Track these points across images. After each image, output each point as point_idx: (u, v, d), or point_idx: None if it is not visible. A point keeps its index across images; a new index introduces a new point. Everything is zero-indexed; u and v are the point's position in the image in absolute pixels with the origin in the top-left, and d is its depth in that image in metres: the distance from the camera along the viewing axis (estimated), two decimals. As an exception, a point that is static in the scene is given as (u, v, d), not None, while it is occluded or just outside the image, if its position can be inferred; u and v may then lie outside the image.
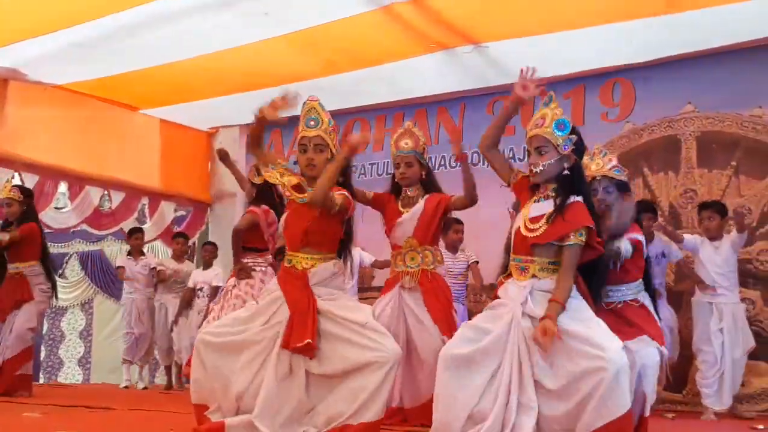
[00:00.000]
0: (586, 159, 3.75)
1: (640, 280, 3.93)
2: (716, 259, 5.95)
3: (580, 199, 3.32)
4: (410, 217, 4.51)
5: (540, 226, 3.30)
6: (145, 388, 8.34)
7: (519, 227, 3.38)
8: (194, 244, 9.66)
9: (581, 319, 3.20)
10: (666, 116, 7.05)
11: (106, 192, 9.00)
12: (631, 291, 3.88)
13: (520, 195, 3.49)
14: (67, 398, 6.10)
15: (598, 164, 3.94)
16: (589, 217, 3.27)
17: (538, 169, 3.31)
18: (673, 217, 6.88)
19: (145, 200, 9.40)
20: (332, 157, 3.53)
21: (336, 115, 3.64)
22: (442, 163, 7.85)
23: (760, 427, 5.19)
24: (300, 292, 3.47)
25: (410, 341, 4.43)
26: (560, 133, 3.30)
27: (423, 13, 6.32)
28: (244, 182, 5.78)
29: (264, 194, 5.45)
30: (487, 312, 3.38)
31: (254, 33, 6.74)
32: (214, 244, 8.37)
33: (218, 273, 7.91)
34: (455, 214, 5.82)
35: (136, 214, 9.30)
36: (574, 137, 3.33)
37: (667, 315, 5.84)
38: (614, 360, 3.00)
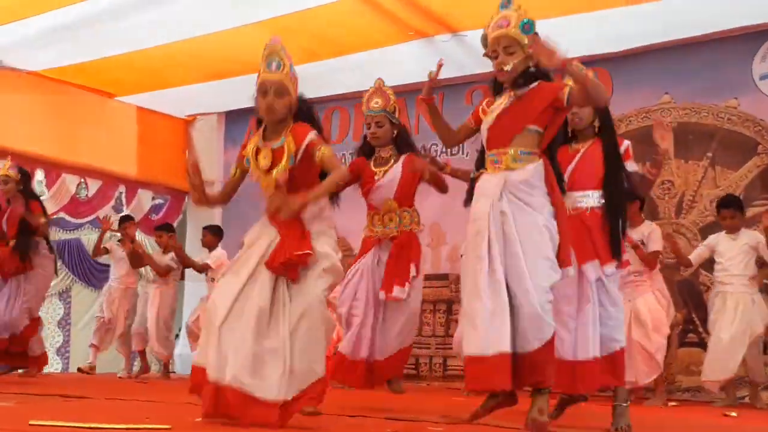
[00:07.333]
0: None
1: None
2: (733, 248, 5.90)
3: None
4: (389, 181, 4.54)
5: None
6: (130, 377, 8.25)
7: (490, 124, 3.40)
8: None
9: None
10: (643, 107, 7.08)
11: (82, 180, 8.91)
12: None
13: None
14: (43, 387, 6.04)
15: None
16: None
17: (507, 67, 3.36)
18: (650, 208, 6.92)
19: (122, 188, 9.32)
20: (292, 104, 3.38)
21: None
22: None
23: (733, 414, 5.25)
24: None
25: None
26: (525, 34, 3.42)
27: (401, 1, 6.31)
28: None
29: None
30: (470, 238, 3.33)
31: (232, 19, 6.70)
32: (218, 227, 8.08)
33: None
34: None
35: (113, 202, 9.21)
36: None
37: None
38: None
